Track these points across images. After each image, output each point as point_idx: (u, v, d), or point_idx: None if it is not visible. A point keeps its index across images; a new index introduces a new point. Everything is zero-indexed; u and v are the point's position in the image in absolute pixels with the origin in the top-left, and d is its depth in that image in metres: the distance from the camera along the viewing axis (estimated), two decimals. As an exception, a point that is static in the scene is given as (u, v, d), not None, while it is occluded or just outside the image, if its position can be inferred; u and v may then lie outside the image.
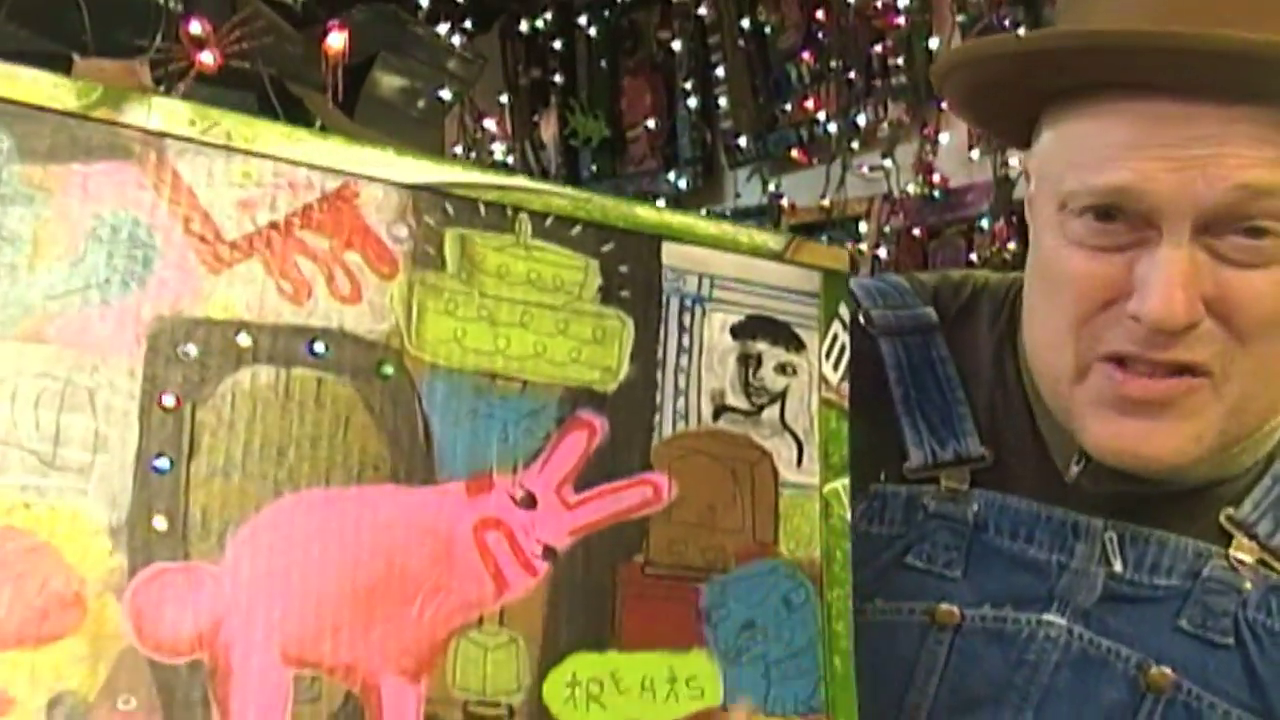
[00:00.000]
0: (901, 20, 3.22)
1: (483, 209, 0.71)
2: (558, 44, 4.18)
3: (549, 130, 4.28)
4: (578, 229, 0.73)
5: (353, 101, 3.34)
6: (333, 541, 0.65)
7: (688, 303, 0.77)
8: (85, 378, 0.61)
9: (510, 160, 4.25)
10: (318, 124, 3.24)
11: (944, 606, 0.83)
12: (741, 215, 3.77)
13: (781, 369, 0.79)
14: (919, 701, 0.84)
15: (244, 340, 0.64)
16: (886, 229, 3.30)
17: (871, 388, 0.88)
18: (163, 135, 0.64)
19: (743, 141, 3.66)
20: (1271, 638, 0.80)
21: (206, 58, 2.79)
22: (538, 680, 0.68)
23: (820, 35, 3.45)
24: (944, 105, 3.21)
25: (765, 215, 3.64)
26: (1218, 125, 0.72)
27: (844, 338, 0.81)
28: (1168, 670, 0.80)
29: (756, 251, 0.79)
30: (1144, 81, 0.74)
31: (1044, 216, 0.81)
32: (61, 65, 2.79)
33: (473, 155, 4.01)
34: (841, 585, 0.78)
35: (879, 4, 3.26)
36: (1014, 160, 3.00)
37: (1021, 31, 2.93)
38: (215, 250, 0.64)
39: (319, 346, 0.66)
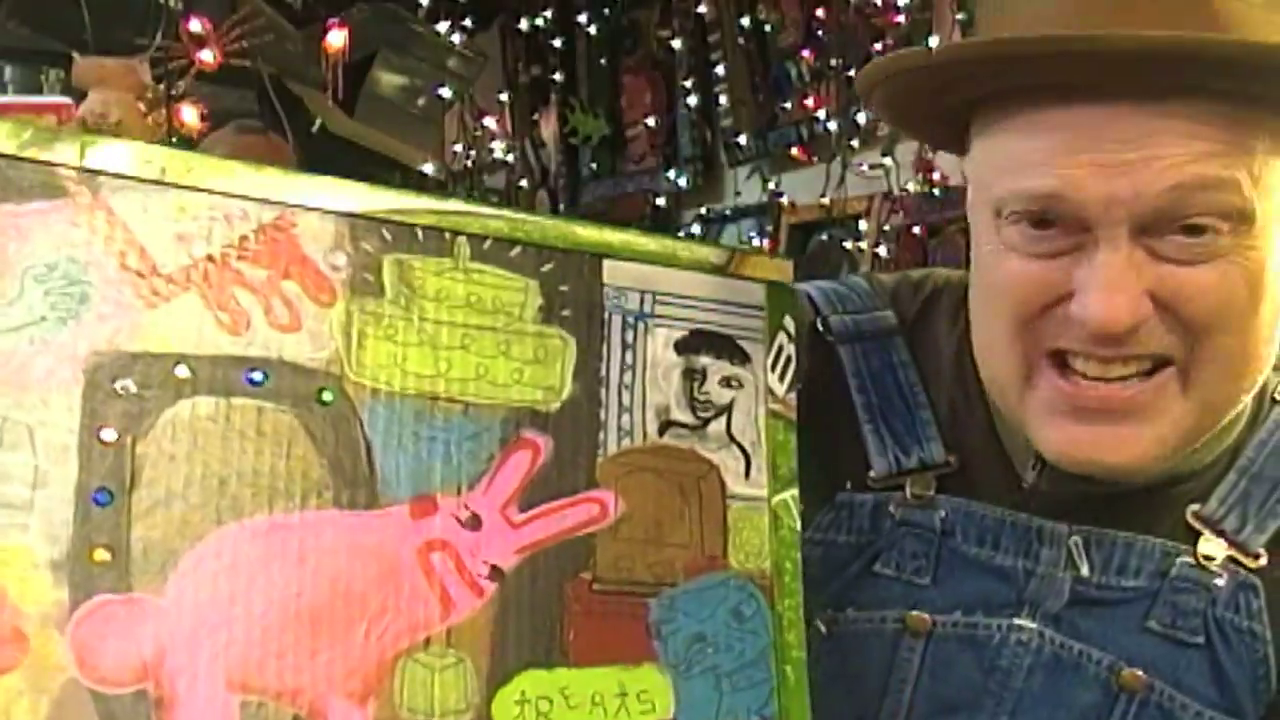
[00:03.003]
0: (901, 18, 3.21)
1: (420, 234, 0.71)
2: (558, 42, 4.18)
3: (549, 128, 4.28)
4: (516, 250, 0.74)
5: (353, 99, 3.34)
6: (276, 568, 0.65)
7: (630, 319, 0.77)
8: (24, 415, 0.61)
9: (510, 158, 4.25)
10: (318, 122, 3.24)
11: (915, 613, 0.84)
12: (741, 213, 3.77)
13: (726, 382, 0.79)
14: (895, 709, 0.84)
15: (182, 372, 0.65)
16: (886, 227, 3.30)
17: (832, 396, 0.88)
18: (97, 173, 0.64)
19: (743, 139, 3.66)
20: (1239, 635, 0.80)
21: (206, 56, 2.79)
22: (486, 700, 0.69)
23: (820, 33, 3.45)
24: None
25: (765, 213, 3.64)
26: (1141, 126, 0.71)
27: (789, 349, 0.81)
28: (1139, 671, 0.80)
29: (698, 266, 0.79)
30: (1062, 84, 0.73)
31: (981, 223, 0.80)
32: (62, 63, 2.79)
33: (473, 153, 4.01)
34: (792, 596, 0.78)
35: (879, 2, 3.25)
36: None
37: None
38: (151, 284, 0.65)
39: (257, 375, 0.66)
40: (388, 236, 0.70)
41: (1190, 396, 0.76)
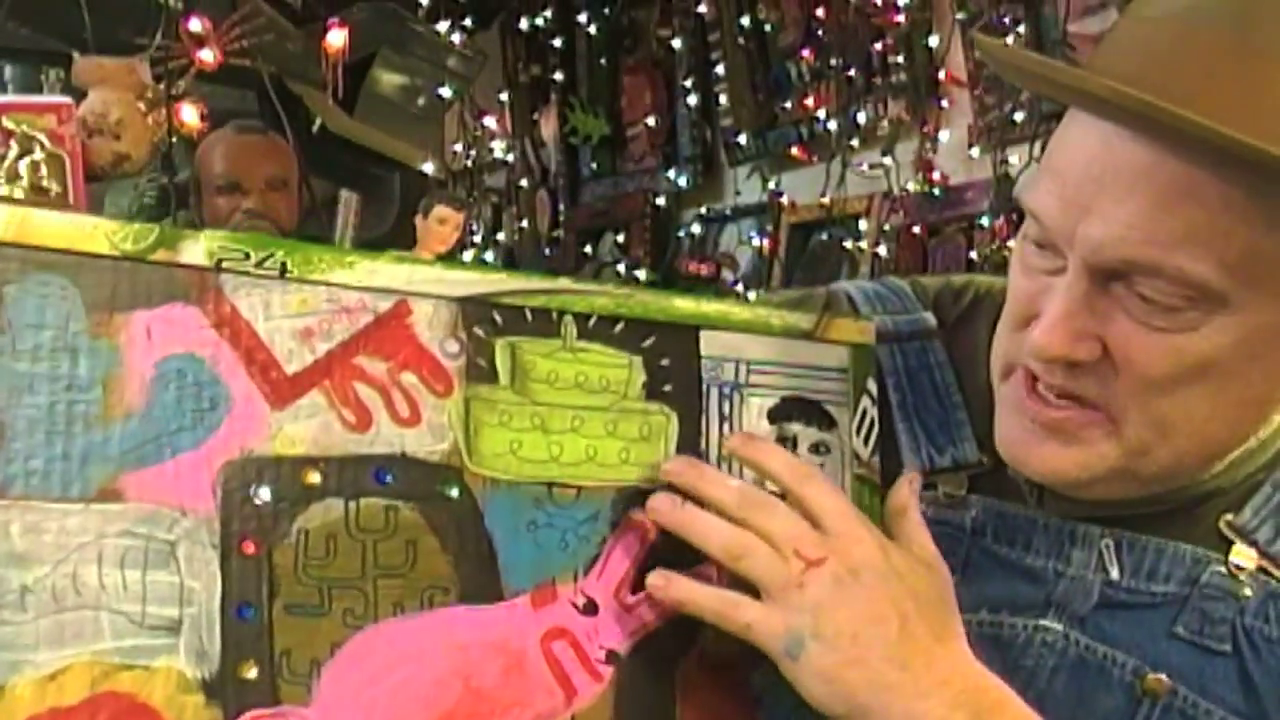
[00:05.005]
0: (901, 18, 3.21)
1: (529, 315, 0.72)
2: (558, 41, 4.17)
3: (549, 128, 4.28)
4: (620, 326, 0.74)
5: (352, 99, 3.35)
6: (412, 670, 0.66)
7: (726, 391, 0.78)
8: (165, 532, 0.62)
9: (510, 158, 4.25)
10: (318, 122, 3.24)
11: None
12: (741, 213, 3.77)
13: (815, 448, 0.80)
14: None
15: (313, 477, 0.65)
16: (886, 227, 3.30)
17: None
18: (220, 271, 0.64)
19: (743, 139, 3.66)
20: (1269, 645, 0.80)
21: (206, 55, 2.80)
22: None
23: (820, 33, 3.44)
24: (943, 103, 3.21)
25: (765, 213, 3.64)
26: (1130, 180, 0.71)
27: (873, 412, 0.82)
28: (1164, 677, 0.79)
29: (788, 332, 0.80)
30: (1093, 117, 0.73)
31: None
32: (62, 63, 2.79)
33: (473, 152, 4.01)
34: None
35: (879, 1, 3.25)
36: (1013, 158, 3.00)
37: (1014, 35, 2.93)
38: (278, 386, 0.65)
39: (384, 474, 0.67)
40: (499, 320, 0.71)
41: (1117, 441, 0.77)
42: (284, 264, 0.66)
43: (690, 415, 0.76)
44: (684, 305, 0.77)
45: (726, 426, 0.78)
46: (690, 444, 0.76)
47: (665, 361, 0.76)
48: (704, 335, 0.77)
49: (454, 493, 0.69)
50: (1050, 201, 0.74)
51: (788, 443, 0.80)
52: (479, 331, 0.70)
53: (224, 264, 0.64)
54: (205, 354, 0.64)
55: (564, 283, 0.74)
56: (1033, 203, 0.76)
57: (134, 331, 0.62)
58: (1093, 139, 0.73)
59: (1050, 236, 0.75)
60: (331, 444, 0.66)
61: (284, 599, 0.64)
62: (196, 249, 0.64)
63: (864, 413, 0.82)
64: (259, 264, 0.65)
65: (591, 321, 0.74)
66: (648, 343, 0.75)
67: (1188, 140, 0.68)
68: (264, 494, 0.64)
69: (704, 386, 0.77)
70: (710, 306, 0.78)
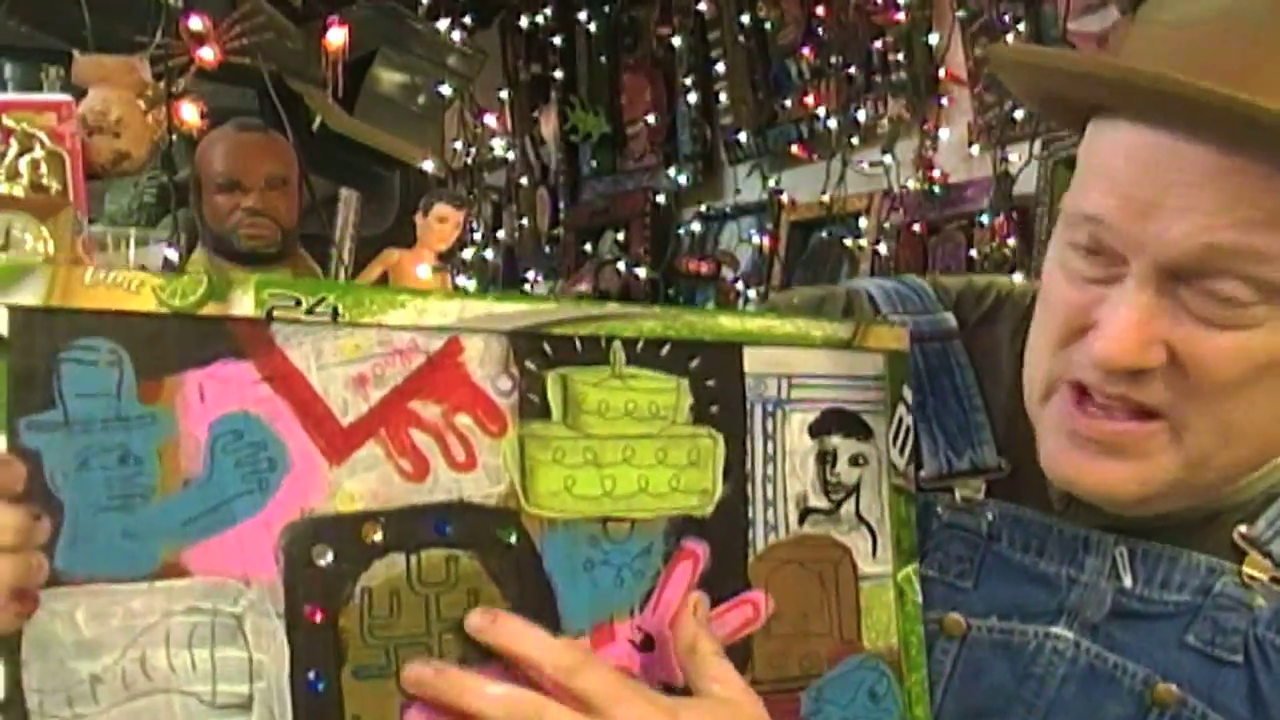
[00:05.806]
0: (901, 16, 3.21)
1: (578, 344, 0.71)
2: (558, 40, 4.17)
3: (549, 126, 4.27)
4: (667, 349, 0.73)
5: (353, 97, 3.35)
6: None
7: (769, 408, 0.77)
8: (230, 605, 0.60)
9: (510, 156, 4.25)
10: (318, 120, 3.24)
11: (952, 616, 0.83)
12: (741, 211, 3.77)
13: (854, 460, 0.80)
14: None
15: (375, 534, 0.64)
16: (886, 225, 3.30)
17: None
18: (270, 320, 0.62)
19: (743, 137, 3.65)
20: None
21: (206, 54, 2.80)
22: None
23: (820, 31, 3.44)
24: (943, 101, 3.21)
25: (765, 211, 3.64)
26: (1200, 173, 0.69)
27: (908, 420, 0.82)
28: (1174, 687, 0.79)
29: (828, 343, 0.79)
30: (1153, 118, 0.71)
31: (1057, 228, 0.79)
32: (62, 61, 2.79)
33: (473, 150, 4.01)
34: (918, 670, 0.80)
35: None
36: (1013, 156, 3.00)
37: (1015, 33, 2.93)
38: (334, 440, 0.63)
39: (444, 525, 0.66)
40: (549, 351, 0.70)
41: (1180, 451, 0.76)
42: (336, 308, 0.64)
43: (735, 436, 0.76)
44: (729, 323, 0.76)
45: (770, 445, 0.77)
46: (736, 466, 0.75)
47: (711, 382, 0.75)
48: (747, 352, 0.76)
49: (512, 539, 0.68)
50: (1109, 204, 0.72)
51: (829, 457, 0.79)
52: (530, 365, 0.69)
53: (275, 312, 0.62)
54: (260, 411, 0.61)
55: (612, 307, 0.72)
56: (1088, 207, 0.74)
57: (187, 393, 0.60)
58: (1144, 136, 0.71)
59: (1110, 240, 0.73)
60: (391, 496, 0.64)
61: (352, 664, 0.63)
62: (246, 299, 0.61)
63: (900, 421, 0.82)
64: (310, 310, 0.63)
65: (640, 346, 0.72)
66: (694, 363, 0.74)
67: (1255, 129, 0.67)
68: (327, 556, 0.63)
69: (748, 405, 0.76)
70: (753, 322, 0.77)
